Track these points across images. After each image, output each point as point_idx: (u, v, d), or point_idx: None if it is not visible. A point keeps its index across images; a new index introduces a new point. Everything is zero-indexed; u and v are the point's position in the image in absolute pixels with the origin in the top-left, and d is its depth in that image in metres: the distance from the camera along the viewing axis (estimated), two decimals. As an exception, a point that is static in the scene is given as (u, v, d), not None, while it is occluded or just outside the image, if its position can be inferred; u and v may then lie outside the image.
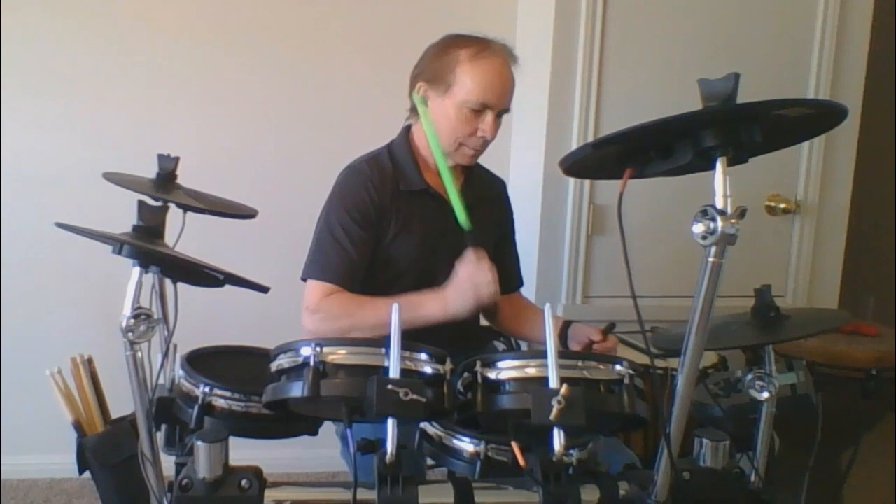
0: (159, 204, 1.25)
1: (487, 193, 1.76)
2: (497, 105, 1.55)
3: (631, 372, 1.02)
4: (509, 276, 1.85)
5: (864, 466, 1.83)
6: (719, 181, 0.93)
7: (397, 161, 1.64)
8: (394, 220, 1.59)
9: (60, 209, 1.62)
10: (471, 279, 1.41)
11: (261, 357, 1.15)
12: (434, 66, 1.58)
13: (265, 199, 1.64)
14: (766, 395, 1.18)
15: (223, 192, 1.54)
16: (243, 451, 1.07)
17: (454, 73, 1.53)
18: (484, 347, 1.84)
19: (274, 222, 1.97)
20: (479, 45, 1.55)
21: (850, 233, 2.48)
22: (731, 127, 0.94)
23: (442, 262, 1.63)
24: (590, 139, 2.22)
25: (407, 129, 1.68)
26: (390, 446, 0.94)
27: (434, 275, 1.62)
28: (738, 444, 1.18)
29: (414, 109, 1.63)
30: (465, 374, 1.06)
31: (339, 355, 1.01)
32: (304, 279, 1.56)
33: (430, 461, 1.26)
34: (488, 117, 1.54)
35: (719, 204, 0.92)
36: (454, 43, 1.57)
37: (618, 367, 1.02)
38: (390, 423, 0.94)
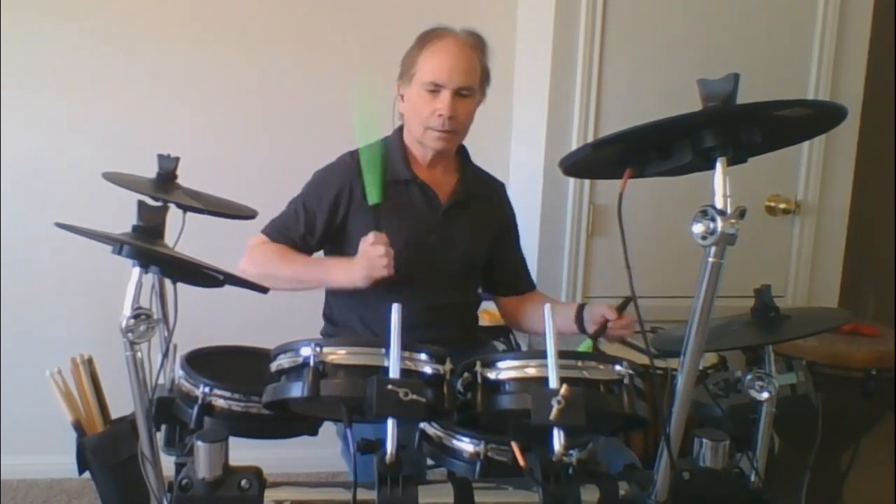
0: (159, 204, 1.25)
1: (483, 193, 1.76)
2: (448, 82, 1.57)
3: (631, 372, 1.02)
4: (519, 278, 1.84)
5: (864, 466, 1.83)
6: (719, 181, 0.93)
7: (388, 151, 1.67)
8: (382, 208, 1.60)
9: (60, 209, 1.62)
10: (364, 255, 1.47)
11: (261, 357, 1.15)
12: (403, 64, 1.67)
13: (265, 199, 1.64)
14: (765, 395, 1.18)
15: (223, 192, 1.54)
16: (243, 451, 1.07)
17: (415, 64, 1.61)
18: (484, 347, 1.84)
19: (274, 222, 1.96)
20: (436, 33, 1.62)
21: (850, 233, 2.48)
22: (730, 127, 0.94)
23: (427, 251, 1.64)
24: (590, 139, 2.22)
25: (401, 127, 1.72)
26: (390, 446, 0.94)
27: (420, 263, 1.62)
28: (738, 444, 1.18)
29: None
30: (465, 374, 1.06)
31: (338, 355, 1.01)
32: None
33: (429, 461, 1.26)
34: (442, 95, 1.58)
35: (719, 204, 0.92)
36: (417, 39, 1.65)
37: (617, 368, 1.02)
38: (390, 423, 0.94)
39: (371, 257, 1.46)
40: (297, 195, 1.69)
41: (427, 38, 1.62)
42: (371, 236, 1.47)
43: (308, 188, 1.68)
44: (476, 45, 1.63)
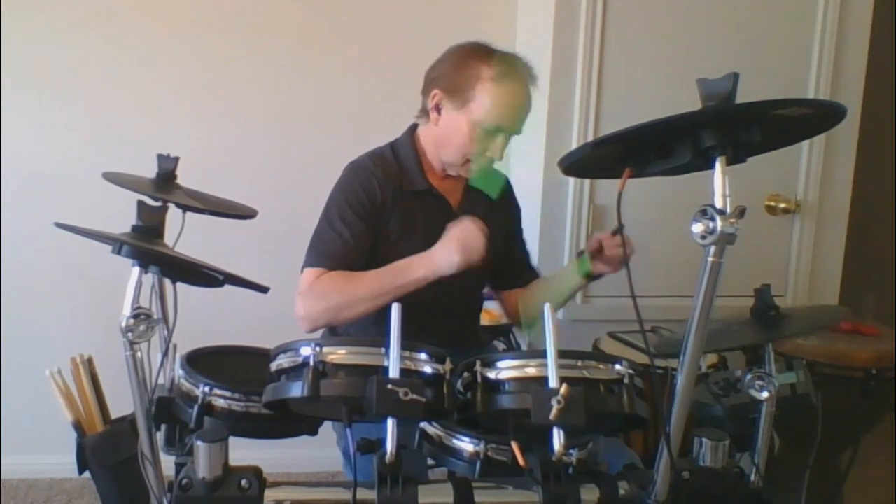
0: (159, 204, 1.25)
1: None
2: (511, 129, 1.53)
3: (631, 372, 1.02)
4: (522, 270, 1.83)
5: (864, 466, 1.83)
6: (718, 181, 0.93)
7: (401, 160, 1.63)
8: (396, 220, 1.58)
9: (60, 209, 1.62)
10: (462, 234, 1.40)
11: (261, 357, 1.15)
12: (454, 77, 1.53)
13: (265, 199, 1.64)
14: (765, 394, 1.18)
15: (223, 192, 1.54)
16: (243, 451, 1.07)
17: (474, 90, 1.50)
18: (484, 347, 1.84)
19: (274, 222, 1.97)
20: (504, 65, 1.51)
21: (850, 233, 2.48)
22: (730, 127, 0.94)
23: None
24: (590, 139, 2.22)
25: (413, 129, 1.67)
26: (390, 446, 0.94)
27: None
28: (738, 443, 1.18)
29: (425, 110, 1.61)
30: (465, 374, 1.06)
31: (338, 355, 1.01)
32: (301, 271, 1.56)
33: (430, 461, 1.26)
34: (499, 140, 1.52)
35: (718, 203, 0.93)
36: (477, 55, 1.52)
37: (617, 367, 1.02)
38: (390, 423, 0.94)
39: (469, 239, 1.39)
40: (323, 221, 1.58)
41: (496, 72, 1.50)
42: (467, 220, 1.41)
43: (338, 206, 1.57)
44: (532, 83, 1.56)
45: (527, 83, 1.53)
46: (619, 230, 1.49)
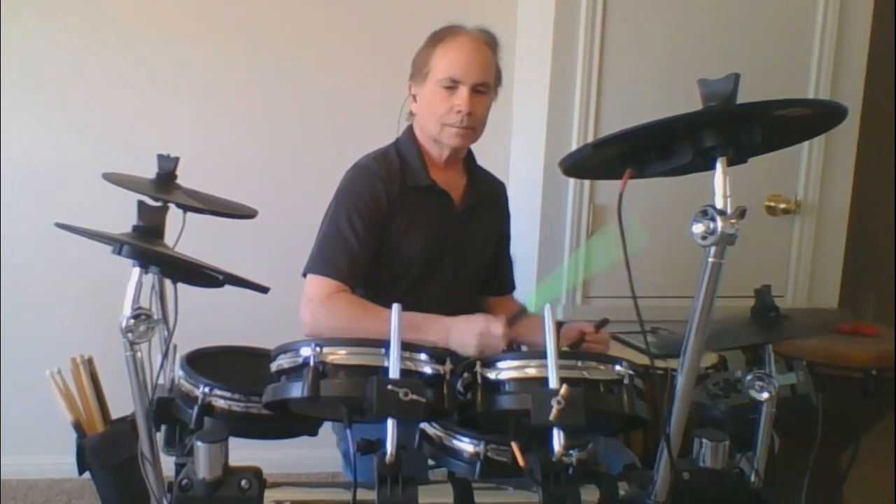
0: (159, 204, 1.25)
1: (489, 195, 1.77)
2: (466, 78, 1.56)
3: (631, 372, 1.02)
4: (501, 278, 1.85)
5: (864, 466, 1.83)
6: (719, 181, 0.93)
7: (404, 157, 1.65)
8: (401, 216, 1.60)
9: (60, 209, 1.62)
10: (485, 337, 1.41)
11: (261, 357, 1.15)
12: (415, 63, 1.65)
13: (265, 199, 1.64)
14: (765, 395, 1.18)
15: (223, 192, 1.54)
16: (243, 451, 1.07)
17: (429, 63, 1.60)
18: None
19: (274, 222, 1.97)
20: (450, 30, 1.61)
21: (850, 233, 2.48)
22: (731, 127, 0.94)
23: (445, 258, 1.64)
24: (590, 139, 2.22)
25: (410, 127, 1.70)
26: (390, 446, 0.94)
27: (437, 270, 1.62)
28: (738, 444, 1.18)
29: (412, 112, 1.68)
30: (465, 375, 1.06)
31: (338, 356, 1.01)
32: (304, 274, 1.56)
33: (430, 461, 1.26)
34: (460, 91, 1.56)
35: (719, 204, 0.92)
36: (430, 38, 1.63)
37: (617, 368, 1.02)
38: (390, 423, 0.94)
39: (491, 343, 1.40)
40: (330, 225, 1.58)
41: (441, 36, 1.60)
42: (496, 323, 1.42)
43: (345, 210, 1.57)
44: (490, 42, 1.62)
45: (472, 36, 1.61)
46: (602, 324, 1.57)
